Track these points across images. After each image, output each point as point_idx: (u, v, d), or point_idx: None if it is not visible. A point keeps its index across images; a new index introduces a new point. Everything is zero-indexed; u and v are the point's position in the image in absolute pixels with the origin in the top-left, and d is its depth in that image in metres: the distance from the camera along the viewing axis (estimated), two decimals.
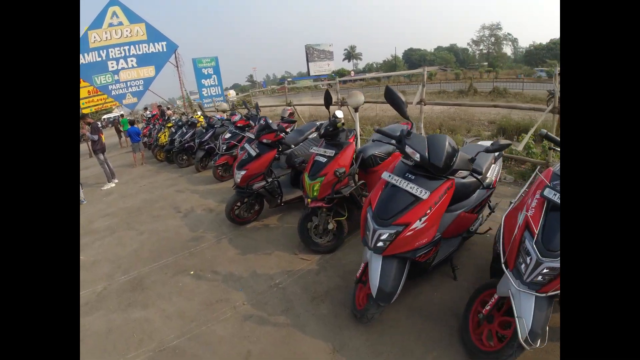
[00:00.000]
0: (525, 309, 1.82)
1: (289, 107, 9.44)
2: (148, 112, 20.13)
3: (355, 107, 4.38)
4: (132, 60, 14.67)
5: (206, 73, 16.70)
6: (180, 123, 10.23)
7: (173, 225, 5.41)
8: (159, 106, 21.07)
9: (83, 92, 23.11)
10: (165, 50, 15.19)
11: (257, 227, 4.84)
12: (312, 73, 70.64)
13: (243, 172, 4.48)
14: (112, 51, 14.27)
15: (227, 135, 7.32)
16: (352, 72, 70.01)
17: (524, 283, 1.84)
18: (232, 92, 27.98)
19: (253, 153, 4.58)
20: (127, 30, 14.36)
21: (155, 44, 15.00)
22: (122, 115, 18.39)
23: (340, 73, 75.37)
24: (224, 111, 11.32)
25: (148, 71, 15.03)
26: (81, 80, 20.36)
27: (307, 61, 71.66)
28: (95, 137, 8.46)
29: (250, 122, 7.07)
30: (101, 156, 8.65)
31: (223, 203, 5.61)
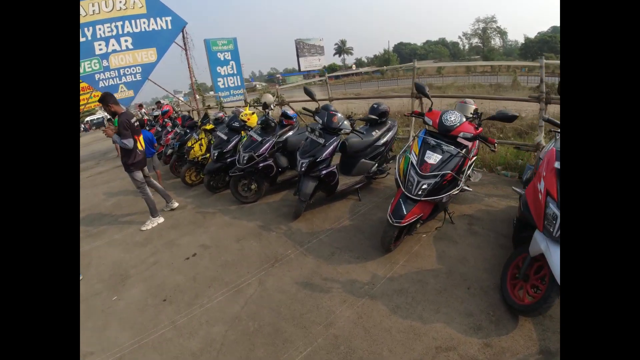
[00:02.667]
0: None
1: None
2: (149, 109, 15.72)
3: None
4: (126, 41, 10.51)
5: (222, 59, 12.62)
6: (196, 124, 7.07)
7: None
8: (157, 102, 16.77)
9: None
10: (170, 27, 11.09)
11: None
12: (302, 68, 66.94)
13: None
14: (99, 29, 10.10)
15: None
16: (354, 65, 66.38)
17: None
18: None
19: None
20: (120, 2, 10.17)
21: (158, 19, 10.87)
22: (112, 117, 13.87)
23: (332, 68, 72.27)
24: (265, 106, 7.41)
25: (148, 55, 10.87)
26: None
27: (298, 56, 67.62)
28: (129, 144, 4.49)
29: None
30: (139, 175, 4.79)
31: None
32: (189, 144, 6.28)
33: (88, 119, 35.35)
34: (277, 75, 74.65)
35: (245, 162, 4.75)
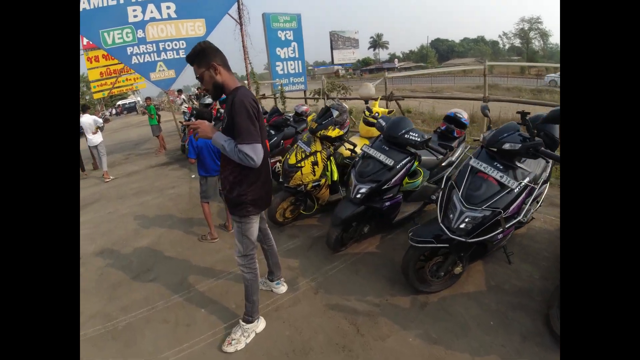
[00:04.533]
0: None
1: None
2: (183, 97, 13.09)
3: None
4: (168, 8, 7.89)
5: (283, 38, 9.86)
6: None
7: None
8: (199, 89, 14.16)
9: (93, 75, 16.33)
10: None
11: None
12: (336, 61, 63.89)
13: None
14: None
15: None
16: (396, 59, 62.82)
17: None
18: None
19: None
20: None
21: None
22: (149, 101, 10.84)
23: (365, 62, 68.98)
24: (365, 99, 4.96)
25: (194, 27, 8.23)
26: (83, 41, 13.60)
27: (332, 49, 64.57)
28: (256, 154, 1.86)
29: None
30: (253, 230, 2.23)
31: None
32: (292, 159, 3.57)
33: (120, 102, 33.40)
34: (309, 67, 71.66)
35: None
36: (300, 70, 10.39)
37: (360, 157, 3.09)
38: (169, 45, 7.99)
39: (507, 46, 72.96)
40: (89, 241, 4.20)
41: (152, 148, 10.53)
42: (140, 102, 30.97)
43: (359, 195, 2.87)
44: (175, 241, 3.87)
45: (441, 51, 71.99)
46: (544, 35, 66.50)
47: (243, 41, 9.11)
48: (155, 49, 7.85)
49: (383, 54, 78.45)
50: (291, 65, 10.15)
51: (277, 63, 9.87)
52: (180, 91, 12.77)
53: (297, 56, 10.20)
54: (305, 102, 9.68)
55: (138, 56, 7.69)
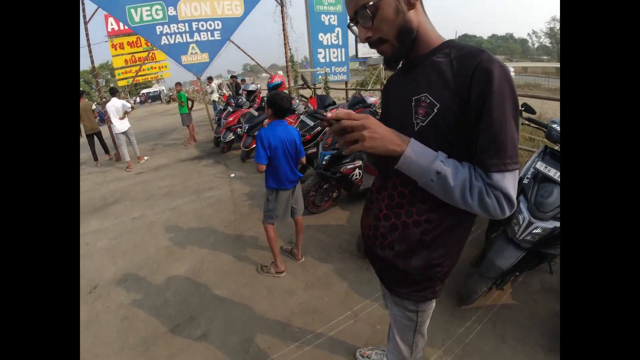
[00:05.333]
0: None
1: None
2: (213, 85, 12.05)
3: None
4: None
5: (327, 23, 8.78)
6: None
7: None
8: (233, 77, 13.19)
9: (118, 62, 15.60)
10: None
11: None
12: (360, 55, 62.27)
13: None
14: None
15: None
16: None
17: None
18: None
19: None
20: None
21: None
22: (179, 87, 9.31)
23: None
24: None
25: (232, 6, 7.25)
26: (107, 27, 12.78)
27: (356, 42, 62.81)
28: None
29: None
30: None
31: None
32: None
33: (144, 91, 32.91)
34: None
35: None
36: (344, 59, 9.30)
37: (531, 178, 2.11)
38: (202, 26, 7.03)
39: (536, 45, 70.37)
40: (108, 260, 3.27)
41: (181, 139, 9.62)
42: (165, 90, 30.33)
43: (529, 237, 1.85)
44: (224, 271, 2.88)
45: None
46: None
47: (284, 24, 8.09)
48: (187, 29, 6.90)
49: None
50: (334, 53, 9.06)
51: (319, 50, 8.79)
52: (210, 78, 11.75)
53: (340, 43, 9.10)
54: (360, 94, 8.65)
55: (168, 36, 6.76)
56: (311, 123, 4.46)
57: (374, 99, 4.43)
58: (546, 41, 66.61)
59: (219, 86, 12.82)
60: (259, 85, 6.60)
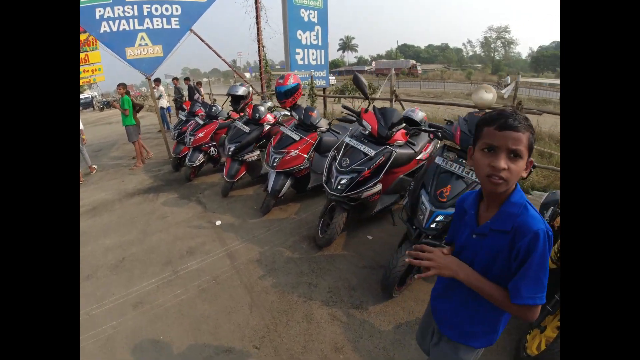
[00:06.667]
0: None
1: None
2: (161, 88, 9.96)
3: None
4: None
5: (306, 19, 7.46)
6: None
7: None
8: (186, 79, 11.15)
9: None
10: None
11: None
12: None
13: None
14: None
15: None
16: (374, 62, 61.09)
17: None
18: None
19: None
20: None
21: None
22: (123, 89, 6.44)
23: (334, 64, 67.12)
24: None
25: None
26: None
27: None
28: None
29: None
30: None
31: None
32: None
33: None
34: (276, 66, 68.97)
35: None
36: (323, 62, 8.05)
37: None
38: (157, 10, 5.31)
39: (470, 54, 74.89)
40: None
41: (123, 158, 7.58)
42: (98, 97, 26.28)
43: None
44: None
45: (408, 56, 71.96)
46: (509, 44, 68.45)
47: (257, 15, 6.56)
48: (136, 13, 5.13)
49: (351, 57, 77.43)
50: (313, 54, 7.79)
51: (297, 50, 7.47)
52: (158, 80, 9.58)
53: (320, 44, 7.86)
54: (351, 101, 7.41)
55: (111, 22, 4.97)
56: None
57: (422, 114, 3.21)
58: (479, 50, 71.34)
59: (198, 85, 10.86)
60: (249, 88, 4.99)
